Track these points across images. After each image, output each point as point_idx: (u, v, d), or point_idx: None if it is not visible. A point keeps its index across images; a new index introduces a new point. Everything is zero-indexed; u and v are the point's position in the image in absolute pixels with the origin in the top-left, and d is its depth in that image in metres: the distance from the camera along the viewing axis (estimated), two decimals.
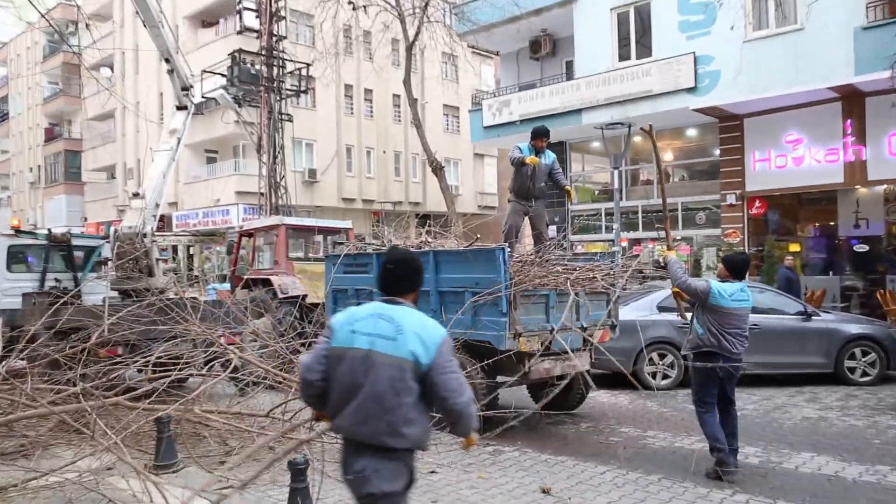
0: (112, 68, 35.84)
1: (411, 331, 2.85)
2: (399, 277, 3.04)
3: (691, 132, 17.44)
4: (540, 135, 8.22)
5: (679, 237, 17.15)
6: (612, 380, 9.72)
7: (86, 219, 39.94)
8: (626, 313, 9.06)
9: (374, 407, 2.81)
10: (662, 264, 6.46)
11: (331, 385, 2.93)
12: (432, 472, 5.75)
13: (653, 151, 17.57)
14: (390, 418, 2.81)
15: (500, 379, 7.13)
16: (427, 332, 2.86)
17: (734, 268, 6.06)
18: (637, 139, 17.46)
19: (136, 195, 10.75)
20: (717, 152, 16.16)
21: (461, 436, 2.98)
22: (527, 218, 8.47)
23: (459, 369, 2.93)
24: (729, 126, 15.62)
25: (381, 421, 2.81)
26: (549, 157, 8.42)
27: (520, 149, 8.26)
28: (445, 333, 2.92)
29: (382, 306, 2.97)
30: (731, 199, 15.53)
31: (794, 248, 16.23)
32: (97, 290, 9.89)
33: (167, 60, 10.99)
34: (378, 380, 2.81)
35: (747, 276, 5.68)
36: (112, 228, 10.88)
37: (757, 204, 15.46)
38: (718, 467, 5.78)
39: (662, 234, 7.00)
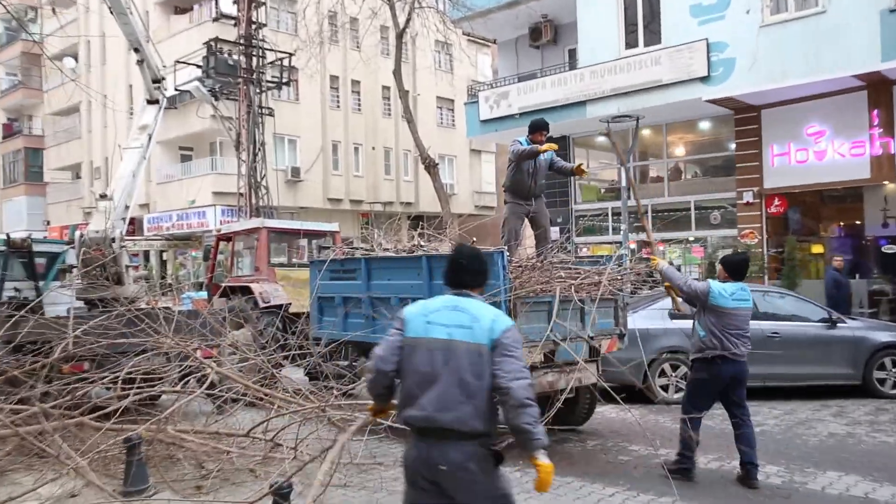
0: (76, 58, 35.77)
1: (486, 319, 3.23)
2: (469, 272, 3.46)
3: (704, 125, 17.48)
4: (539, 128, 8.17)
5: (692, 238, 17.18)
6: (621, 393, 9.70)
7: (48, 222, 39.81)
8: (636, 321, 9.05)
9: (458, 393, 3.13)
10: (657, 274, 6.63)
11: (403, 375, 3.28)
12: None
13: (663, 146, 17.77)
14: (476, 402, 3.14)
15: None
16: (498, 320, 3.25)
17: (733, 268, 6.36)
18: (645, 132, 17.50)
19: (103, 196, 10.71)
20: (733, 146, 16.20)
21: (521, 439, 3.13)
22: (527, 219, 8.44)
23: (523, 359, 3.25)
24: (745, 118, 15.66)
25: (468, 405, 3.13)
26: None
27: (520, 142, 8.22)
28: (514, 323, 3.34)
29: (456, 299, 3.37)
30: (747, 197, 15.56)
31: (817, 249, 16.27)
32: (61, 300, 9.83)
33: (136, 50, 10.97)
34: (460, 367, 3.15)
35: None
36: (77, 233, 10.84)
37: (776, 202, 15.49)
38: (678, 467, 6.12)
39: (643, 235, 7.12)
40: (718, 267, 6.57)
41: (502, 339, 3.16)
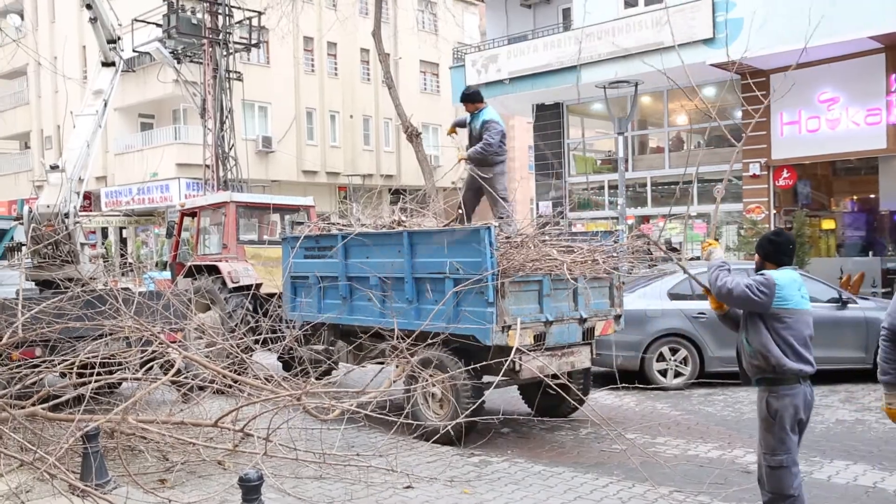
0: (22, 15, 35.21)
1: None
2: None
3: (709, 91, 17.50)
4: (464, 101, 8.46)
5: (694, 213, 17.27)
6: (617, 378, 9.81)
7: None
8: (633, 302, 9.13)
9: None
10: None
11: (790, 336, 4.66)
12: (408, 486, 5.80)
13: (664, 114, 17.80)
14: None
15: (486, 379, 7.18)
16: None
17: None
18: (646, 99, 17.52)
19: (54, 168, 10.60)
20: (739, 115, 16.25)
21: None
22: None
23: None
24: (753, 83, 15.66)
25: None
26: (480, 117, 8.45)
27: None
28: None
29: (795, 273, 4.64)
30: (754, 169, 15.65)
31: (829, 224, 16.42)
32: (9, 281, 9.78)
33: (89, 7, 10.82)
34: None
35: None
36: (27, 208, 10.74)
37: (785, 174, 15.59)
38: None
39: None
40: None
41: None
